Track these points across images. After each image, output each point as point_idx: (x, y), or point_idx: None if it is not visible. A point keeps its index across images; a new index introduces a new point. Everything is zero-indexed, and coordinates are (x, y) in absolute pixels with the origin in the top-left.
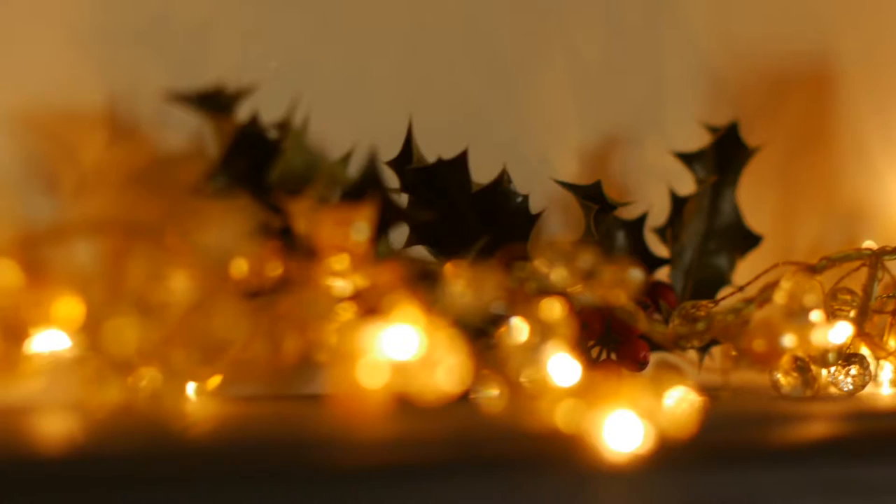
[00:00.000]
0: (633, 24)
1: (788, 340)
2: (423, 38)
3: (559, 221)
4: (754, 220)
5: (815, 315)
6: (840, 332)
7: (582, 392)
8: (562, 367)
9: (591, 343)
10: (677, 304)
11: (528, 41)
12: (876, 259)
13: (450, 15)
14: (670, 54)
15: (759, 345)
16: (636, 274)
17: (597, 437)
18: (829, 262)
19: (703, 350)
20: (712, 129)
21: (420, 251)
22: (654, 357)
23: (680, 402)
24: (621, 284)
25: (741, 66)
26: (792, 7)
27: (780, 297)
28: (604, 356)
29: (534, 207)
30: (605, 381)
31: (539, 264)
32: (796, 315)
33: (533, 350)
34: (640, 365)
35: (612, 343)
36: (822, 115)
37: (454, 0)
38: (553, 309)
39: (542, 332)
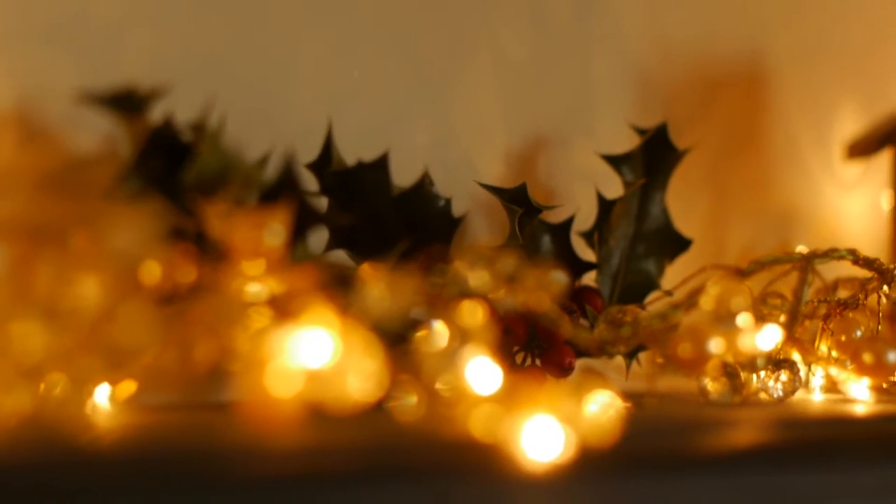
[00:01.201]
0: (560, 23)
1: (715, 346)
2: (343, 37)
3: (484, 225)
4: (684, 223)
5: (743, 320)
6: (769, 337)
7: (502, 399)
8: (481, 373)
9: (516, 348)
10: (604, 309)
11: (453, 41)
12: (806, 263)
13: (371, 13)
14: (599, 55)
15: (685, 350)
16: (559, 278)
17: (515, 445)
18: (758, 266)
19: (631, 356)
20: (641, 131)
21: (340, 255)
22: (579, 363)
23: (602, 409)
24: (544, 289)
25: (672, 67)
26: (723, 8)
27: (707, 302)
28: (529, 362)
29: (457, 210)
30: (526, 388)
31: (459, 268)
32: (723, 320)
33: (451, 356)
34: (564, 371)
35: (536, 349)
36: (753, 117)
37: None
38: (473, 314)
39: (461, 337)
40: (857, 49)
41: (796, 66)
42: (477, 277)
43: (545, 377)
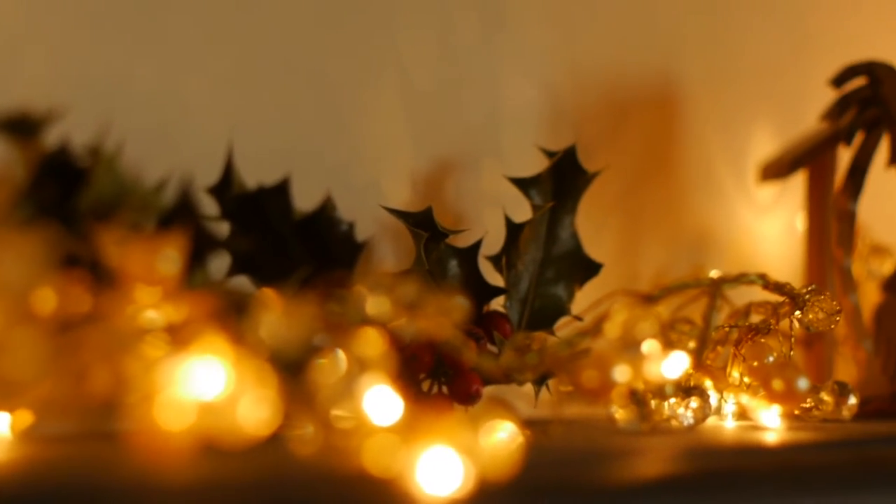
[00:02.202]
0: (468, 46)
1: (621, 373)
2: (245, 58)
3: (391, 250)
4: (595, 247)
5: (650, 346)
6: (677, 364)
7: (401, 430)
8: (381, 403)
9: (422, 376)
10: (512, 335)
11: (358, 63)
12: (715, 288)
13: (274, 35)
14: (507, 78)
15: (590, 378)
16: (461, 304)
17: (412, 478)
18: (666, 292)
19: (539, 383)
20: (550, 154)
21: (242, 281)
22: (487, 390)
23: (504, 439)
24: (446, 315)
25: (582, 89)
26: (635, 31)
27: (613, 328)
28: (435, 389)
29: (363, 235)
30: (425, 419)
31: (359, 295)
32: (629, 347)
33: (348, 385)
34: (472, 399)
35: (442, 376)
36: (666, 139)
37: (278, 20)
38: (372, 341)
39: (359, 365)
40: (771, 71)
41: (710, 89)
42: (377, 304)
43: (452, 405)
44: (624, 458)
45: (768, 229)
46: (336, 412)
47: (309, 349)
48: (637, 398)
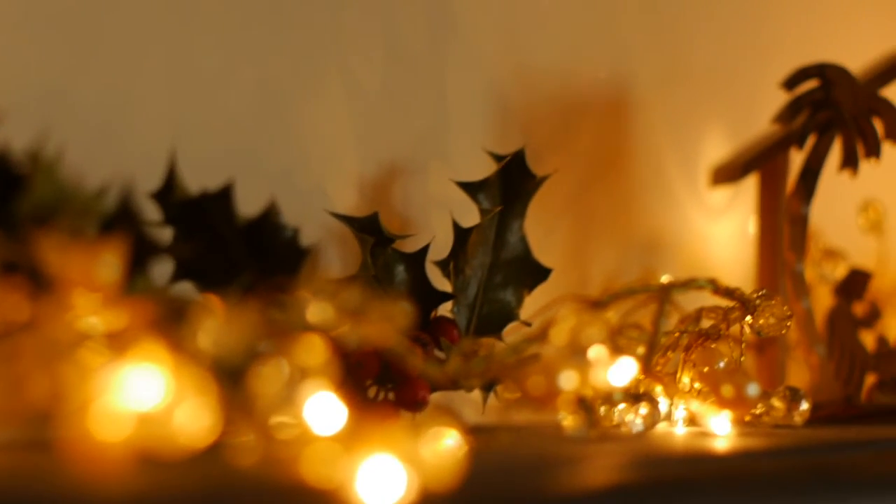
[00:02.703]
0: (414, 50)
1: (567, 379)
2: (188, 62)
3: (337, 255)
4: (545, 252)
5: (597, 352)
6: (624, 370)
7: (343, 438)
8: (323, 411)
9: (368, 383)
10: (460, 341)
11: (303, 67)
12: (664, 293)
13: (217, 38)
14: (455, 81)
15: (537, 384)
16: (405, 310)
17: (353, 488)
18: (614, 297)
19: (487, 390)
20: (498, 158)
21: (186, 287)
22: (436, 397)
23: (447, 447)
24: (390, 321)
25: (532, 92)
26: (583, 33)
27: (559, 334)
28: (382, 396)
29: (309, 241)
30: (368, 427)
31: (301, 300)
32: (576, 353)
33: (289, 393)
34: (418, 406)
35: (388, 383)
36: (617, 142)
37: (223, 23)
38: (314, 348)
39: (300, 373)
40: (723, 73)
41: (660, 91)
42: (320, 310)
43: (398, 413)
44: (571, 466)
45: (720, 233)
46: (278, 421)
47: (250, 356)
48: (585, 405)
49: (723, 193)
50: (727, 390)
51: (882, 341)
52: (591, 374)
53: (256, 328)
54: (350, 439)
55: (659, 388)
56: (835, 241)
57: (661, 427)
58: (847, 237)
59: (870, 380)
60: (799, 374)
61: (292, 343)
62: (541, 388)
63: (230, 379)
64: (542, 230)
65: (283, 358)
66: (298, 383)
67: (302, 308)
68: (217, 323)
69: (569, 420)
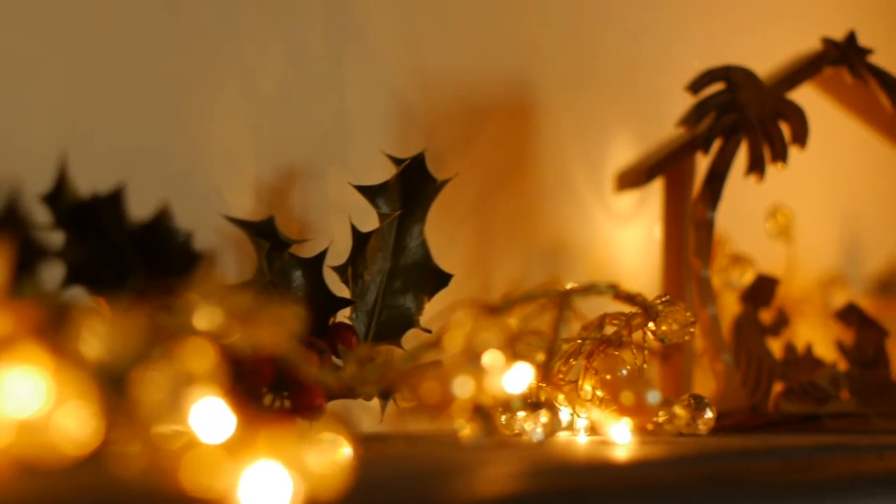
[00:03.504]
0: (313, 53)
1: (462, 386)
2: (80, 60)
3: (234, 260)
4: (447, 257)
5: (493, 358)
6: (520, 377)
7: (228, 446)
8: (211, 418)
9: (264, 390)
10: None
11: (199, 69)
12: (563, 298)
13: (111, 37)
14: (355, 85)
15: (433, 391)
16: (297, 315)
17: (236, 496)
18: (511, 303)
19: (385, 397)
20: (397, 161)
21: (77, 292)
22: (336, 404)
23: (335, 455)
24: (283, 327)
25: (433, 96)
26: (486, 36)
27: (454, 340)
28: (278, 404)
29: (206, 245)
30: (256, 433)
31: (190, 305)
32: (473, 359)
33: (175, 399)
34: (314, 413)
35: (284, 390)
36: (521, 146)
37: (116, 21)
38: (202, 353)
39: (186, 378)
40: (629, 76)
41: (565, 95)
42: (210, 315)
43: (294, 420)
44: (464, 475)
45: (627, 239)
46: (162, 428)
47: (135, 362)
48: (482, 412)
49: (630, 198)
50: (627, 398)
51: (790, 348)
52: (487, 381)
53: (143, 333)
54: (236, 446)
55: (561, 396)
56: (743, 247)
57: (563, 436)
58: (755, 243)
59: (777, 388)
60: (706, 381)
61: (179, 348)
62: (436, 396)
63: (114, 385)
64: (444, 235)
65: (170, 363)
66: (184, 389)
67: (190, 313)
68: (102, 328)
69: (465, 428)
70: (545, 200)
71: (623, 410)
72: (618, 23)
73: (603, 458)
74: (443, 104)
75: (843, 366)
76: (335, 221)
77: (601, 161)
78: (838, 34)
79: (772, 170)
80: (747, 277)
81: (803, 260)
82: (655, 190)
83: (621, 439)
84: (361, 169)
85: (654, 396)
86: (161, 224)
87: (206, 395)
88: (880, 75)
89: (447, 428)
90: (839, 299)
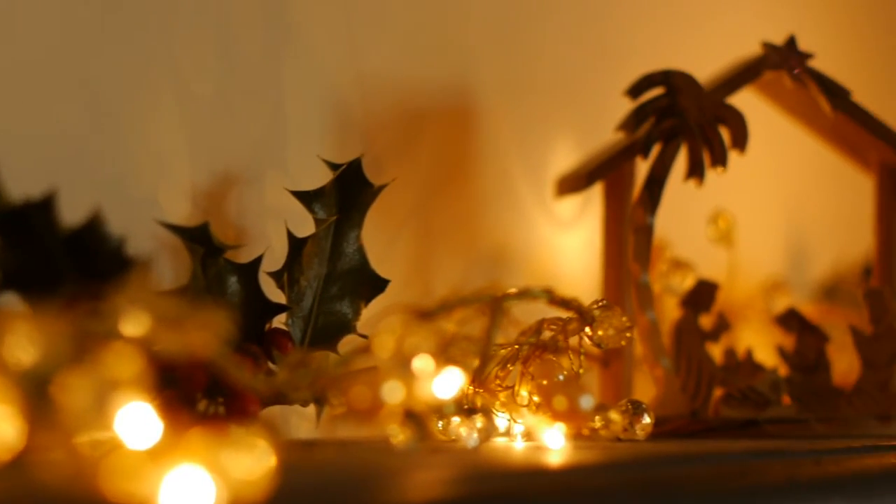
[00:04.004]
0: (250, 58)
1: (393, 391)
2: (12, 66)
3: (170, 266)
4: (386, 262)
5: (424, 364)
6: (452, 382)
7: (152, 451)
8: (135, 424)
9: (199, 396)
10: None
11: (133, 72)
12: (496, 303)
13: (45, 41)
14: (292, 89)
15: (363, 397)
16: (230, 321)
17: (157, 502)
18: (443, 308)
19: (320, 403)
20: (334, 166)
21: (9, 298)
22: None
23: (259, 460)
24: (217, 332)
25: (372, 100)
26: (426, 40)
27: (385, 345)
28: (212, 410)
29: (139, 251)
30: (180, 439)
31: (118, 311)
32: (402, 364)
33: (100, 405)
34: (248, 419)
35: (219, 396)
36: (461, 150)
37: (49, 25)
38: (128, 359)
39: (112, 384)
40: (570, 81)
41: (506, 99)
42: (137, 321)
43: (228, 426)
44: (394, 480)
45: (569, 244)
46: (87, 434)
47: (60, 367)
48: (414, 418)
49: (571, 204)
50: (561, 403)
51: (730, 354)
52: (417, 387)
53: (68, 338)
54: (159, 452)
55: (498, 402)
56: (684, 252)
57: (500, 441)
58: (697, 248)
59: (717, 393)
60: (647, 387)
61: (106, 354)
62: (366, 401)
63: (38, 390)
64: (383, 240)
65: (95, 369)
66: (109, 395)
67: (118, 318)
68: (26, 333)
69: (398, 433)
70: (486, 205)
71: (557, 416)
72: (559, 27)
73: (536, 464)
74: (382, 108)
75: (783, 371)
76: (272, 227)
77: (542, 166)
78: (779, 39)
79: (715, 175)
80: (688, 282)
81: (746, 265)
82: (597, 195)
83: (555, 445)
84: (299, 174)
85: (587, 401)
86: (93, 229)
87: (132, 401)
88: (820, 79)
89: (380, 434)
90: (782, 305)
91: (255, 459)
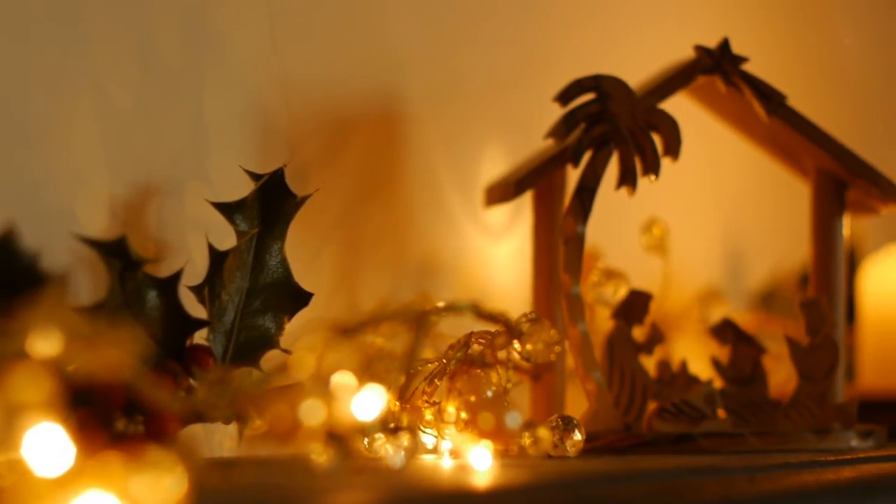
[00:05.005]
0: (170, 67)
1: (313, 410)
2: None
3: (88, 281)
4: (312, 275)
5: (344, 381)
6: (373, 400)
7: (62, 475)
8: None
9: (116, 416)
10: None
11: (48, 83)
12: (420, 318)
13: None
14: (214, 97)
15: (283, 415)
16: (144, 337)
17: None
18: (364, 323)
19: (242, 421)
20: (256, 177)
21: None
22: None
23: (171, 484)
24: (132, 350)
25: (297, 108)
26: (352, 46)
27: (305, 363)
28: (132, 430)
29: (52, 265)
30: (92, 463)
31: (29, 328)
32: (323, 381)
33: (5, 428)
34: (168, 439)
35: (137, 415)
36: (389, 159)
37: None
38: (37, 379)
39: (17, 406)
40: (500, 88)
41: (435, 107)
42: (48, 339)
43: (147, 446)
44: (314, 502)
45: (501, 255)
46: None
47: None
48: (336, 437)
49: (502, 213)
50: (487, 420)
51: (664, 366)
52: (338, 405)
53: None
54: (67, 478)
55: (427, 418)
56: (618, 263)
57: (427, 459)
58: (631, 258)
59: (651, 407)
60: (580, 401)
61: (14, 374)
62: (286, 420)
63: None
64: (308, 253)
65: (2, 390)
66: (16, 417)
67: (29, 336)
68: None
69: (320, 453)
70: (414, 215)
71: (484, 433)
72: (488, 33)
73: (461, 486)
74: (307, 116)
75: (719, 383)
76: (193, 239)
77: (472, 174)
78: (713, 42)
79: (648, 182)
80: (621, 293)
81: (681, 274)
82: (528, 204)
83: (482, 464)
84: (222, 185)
85: (513, 419)
86: (6, 244)
87: (41, 423)
88: (755, 84)
89: (303, 453)
90: (718, 314)
91: (167, 484)
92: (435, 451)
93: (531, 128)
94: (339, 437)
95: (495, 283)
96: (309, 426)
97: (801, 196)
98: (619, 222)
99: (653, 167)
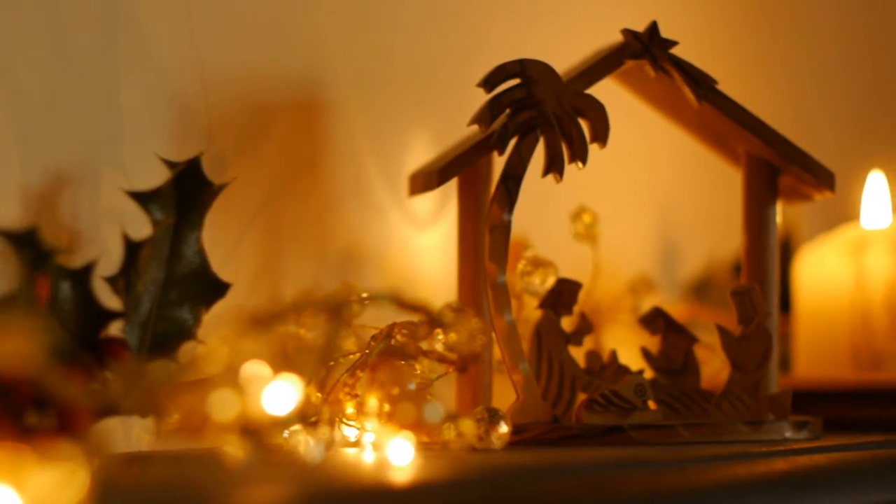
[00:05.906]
0: (82, 51)
1: (222, 402)
2: None
3: None
4: (232, 265)
5: (257, 372)
6: (288, 391)
7: None
8: None
9: (27, 410)
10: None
11: None
12: (338, 308)
13: None
14: (129, 84)
15: (196, 408)
16: (52, 329)
17: None
18: (279, 313)
19: (157, 415)
20: (171, 165)
21: None
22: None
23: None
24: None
25: (216, 94)
26: (272, 31)
27: (217, 354)
28: (44, 423)
29: None
30: None
31: None
32: (236, 374)
33: None
34: (79, 432)
35: (45, 410)
36: (311, 147)
37: None
38: None
39: None
40: (427, 74)
41: (359, 92)
42: None
43: (58, 440)
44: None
45: (427, 244)
46: None
47: None
48: (249, 430)
49: (428, 201)
50: (407, 412)
51: (593, 356)
52: (249, 397)
53: None
54: None
55: (350, 410)
56: (547, 251)
57: (347, 452)
58: (561, 247)
59: (580, 398)
60: (508, 393)
61: None
62: (198, 413)
63: None
64: (227, 242)
65: None
66: None
67: None
68: None
69: (234, 446)
70: (338, 204)
71: (405, 426)
72: (415, 16)
73: (380, 481)
74: (226, 102)
75: (649, 374)
76: (107, 229)
77: (398, 162)
78: (642, 26)
79: (576, 169)
80: (549, 282)
81: (612, 263)
82: (454, 192)
83: (402, 457)
84: (136, 173)
85: (433, 411)
86: None
87: None
88: (684, 68)
89: (217, 447)
90: (650, 304)
91: (70, 479)
92: (357, 444)
93: (458, 114)
94: (253, 431)
95: (421, 272)
96: (220, 419)
97: (736, 184)
98: (548, 210)
99: (580, 154)
